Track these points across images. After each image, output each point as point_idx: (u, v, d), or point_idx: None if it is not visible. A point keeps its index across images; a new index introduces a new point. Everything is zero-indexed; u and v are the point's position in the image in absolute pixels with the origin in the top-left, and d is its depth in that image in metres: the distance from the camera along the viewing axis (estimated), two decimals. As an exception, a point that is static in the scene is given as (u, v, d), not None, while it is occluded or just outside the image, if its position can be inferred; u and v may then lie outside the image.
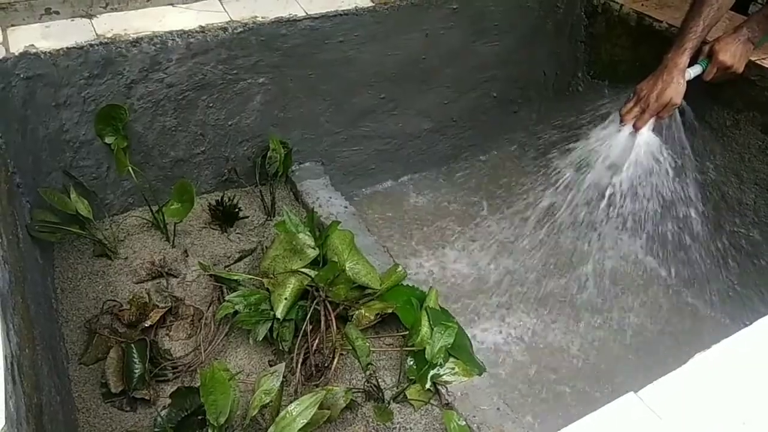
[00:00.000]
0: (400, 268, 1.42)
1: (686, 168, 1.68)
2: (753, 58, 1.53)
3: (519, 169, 2.12)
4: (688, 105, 1.60)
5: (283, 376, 1.13)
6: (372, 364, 1.28)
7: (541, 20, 1.99)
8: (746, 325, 0.82)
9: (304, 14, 1.59)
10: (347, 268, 1.37)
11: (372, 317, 1.32)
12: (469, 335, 1.39)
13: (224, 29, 1.52)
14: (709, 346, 0.79)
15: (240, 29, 1.54)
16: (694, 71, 1.54)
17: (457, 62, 1.93)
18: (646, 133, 1.56)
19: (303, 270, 1.35)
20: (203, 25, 1.50)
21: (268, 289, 1.33)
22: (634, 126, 1.55)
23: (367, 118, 1.90)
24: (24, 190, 1.40)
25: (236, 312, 1.29)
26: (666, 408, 0.69)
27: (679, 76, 1.50)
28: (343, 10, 1.63)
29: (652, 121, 1.54)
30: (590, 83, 2.05)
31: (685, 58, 1.51)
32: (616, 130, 1.60)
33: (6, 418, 0.66)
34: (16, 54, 1.34)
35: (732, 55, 1.50)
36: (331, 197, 1.72)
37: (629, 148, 1.57)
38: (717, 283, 1.73)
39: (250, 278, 1.39)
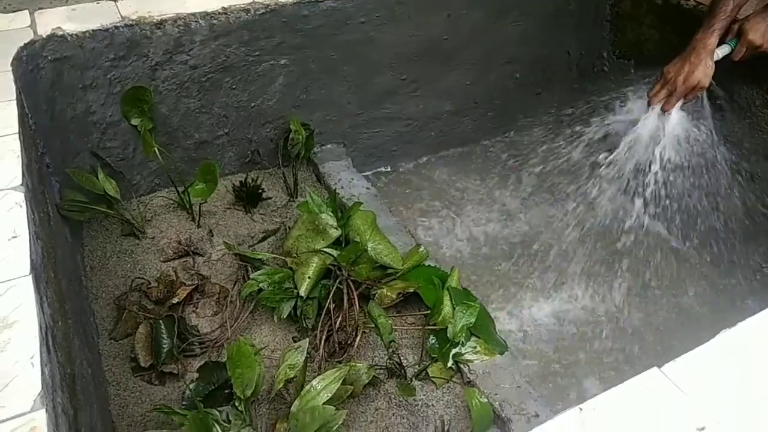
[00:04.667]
0: (421, 248, 1.43)
1: (714, 149, 1.66)
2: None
3: (542, 151, 2.10)
4: (716, 85, 1.57)
5: (307, 353, 1.14)
6: (394, 342, 1.29)
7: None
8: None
9: (326, -6, 1.59)
10: (369, 248, 1.38)
11: (394, 296, 1.32)
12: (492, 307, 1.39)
13: (246, 11, 1.53)
14: (734, 324, 0.79)
15: (262, 10, 1.54)
16: (722, 51, 1.51)
17: (479, 43, 1.91)
18: (674, 116, 1.54)
19: (326, 249, 1.36)
20: (226, 6, 1.51)
21: (291, 268, 1.34)
22: (662, 109, 1.53)
23: (388, 100, 1.90)
24: (53, 170, 1.43)
25: (261, 290, 1.31)
26: (689, 383, 0.69)
27: (708, 57, 1.48)
28: (365, -10, 1.62)
29: (680, 103, 1.52)
30: (616, 63, 2.02)
31: (714, 39, 1.48)
32: (643, 112, 1.58)
33: (42, 383, 0.68)
34: (44, 36, 1.36)
35: (762, 34, 1.47)
36: (353, 178, 1.73)
37: (658, 130, 1.56)
38: (744, 264, 1.71)
39: (274, 257, 1.41)
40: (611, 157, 1.64)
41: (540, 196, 2.01)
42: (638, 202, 1.73)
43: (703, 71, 1.47)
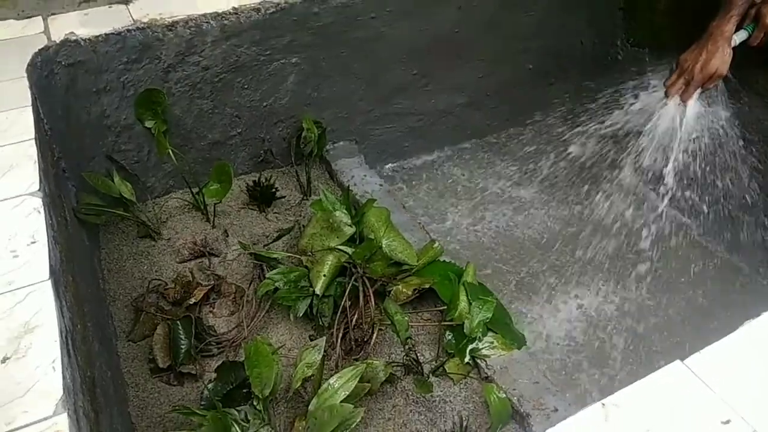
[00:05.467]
0: (436, 244, 1.42)
1: (733, 137, 1.63)
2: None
3: (557, 143, 2.09)
4: (733, 71, 1.54)
5: (324, 351, 1.14)
6: (411, 338, 1.29)
7: (576, -13, 1.94)
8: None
9: (335, -9, 1.58)
10: (384, 245, 1.38)
11: (409, 293, 1.32)
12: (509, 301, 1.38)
13: (257, 10, 1.53)
14: (758, 315, 0.77)
15: (272, 10, 1.54)
16: (740, 37, 1.48)
17: (491, 35, 1.90)
18: (692, 105, 1.51)
19: (340, 247, 1.36)
20: (236, 6, 1.51)
21: (306, 267, 1.34)
22: (680, 99, 1.51)
23: (400, 95, 1.89)
24: (69, 174, 1.44)
25: (276, 289, 1.31)
26: (713, 376, 0.68)
27: (725, 44, 1.45)
28: (374, -14, 1.62)
29: (697, 93, 1.50)
30: (630, 51, 2.00)
31: (731, 26, 1.45)
32: (660, 102, 1.56)
33: (63, 387, 0.69)
34: (58, 42, 1.37)
35: None
36: (365, 175, 1.72)
37: (676, 121, 1.53)
38: (765, 253, 1.68)
39: (289, 256, 1.41)
40: (629, 148, 1.62)
41: (555, 189, 1.99)
42: (657, 194, 1.71)
43: (720, 59, 1.45)
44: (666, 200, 1.65)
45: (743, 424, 0.63)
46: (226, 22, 1.50)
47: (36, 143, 1.09)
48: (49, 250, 0.88)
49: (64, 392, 0.68)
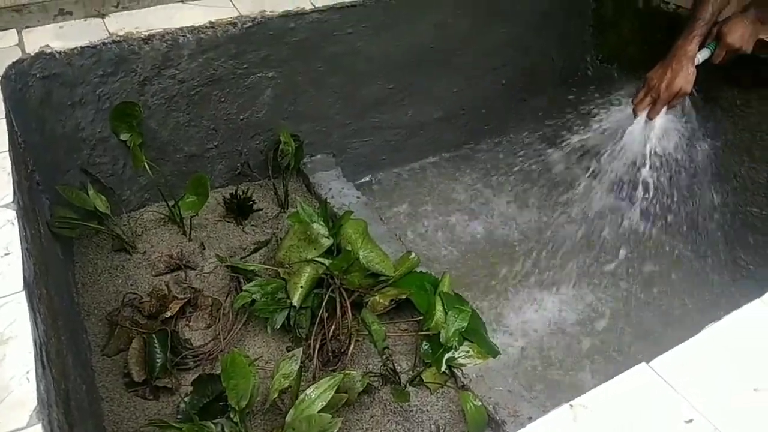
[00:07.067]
0: (413, 255, 1.44)
1: (699, 150, 1.69)
2: (763, 37, 1.52)
3: (530, 156, 2.13)
4: (698, 86, 1.60)
5: (301, 362, 1.15)
6: (388, 348, 1.30)
7: (548, 4, 1.99)
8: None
9: (312, 7, 1.60)
10: (361, 257, 1.39)
11: (386, 303, 1.33)
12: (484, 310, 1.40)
13: (234, 24, 1.54)
14: (720, 318, 0.80)
15: (249, 24, 1.55)
16: (703, 56, 1.54)
17: (466, 51, 1.94)
18: (659, 122, 1.56)
19: (318, 259, 1.37)
20: (213, 20, 1.52)
21: (284, 279, 1.35)
22: (647, 116, 1.56)
23: (376, 109, 1.91)
24: (43, 187, 1.43)
25: (253, 301, 1.31)
26: (677, 377, 0.71)
27: (689, 63, 1.50)
28: (350, 2, 1.64)
29: (664, 110, 1.55)
30: (599, 67, 2.05)
31: (694, 45, 1.50)
32: (628, 119, 1.60)
33: (37, 399, 0.68)
34: (32, 54, 1.37)
35: (740, 37, 1.50)
36: (343, 188, 1.74)
37: (644, 136, 1.58)
38: (731, 260, 1.74)
39: (266, 268, 1.42)
40: (598, 162, 1.66)
41: (528, 201, 2.03)
42: (626, 205, 1.76)
43: (684, 78, 1.50)
44: (635, 210, 1.69)
45: (705, 422, 0.66)
46: (202, 35, 1.51)
47: (9, 155, 1.08)
48: (23, 262, 0.87)
49: (38, 403, 0.68)
